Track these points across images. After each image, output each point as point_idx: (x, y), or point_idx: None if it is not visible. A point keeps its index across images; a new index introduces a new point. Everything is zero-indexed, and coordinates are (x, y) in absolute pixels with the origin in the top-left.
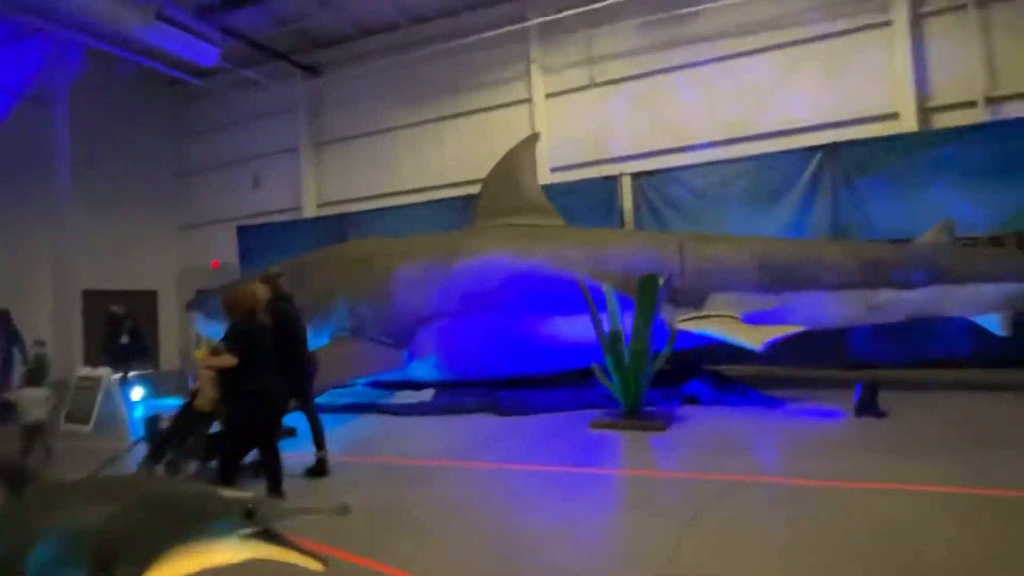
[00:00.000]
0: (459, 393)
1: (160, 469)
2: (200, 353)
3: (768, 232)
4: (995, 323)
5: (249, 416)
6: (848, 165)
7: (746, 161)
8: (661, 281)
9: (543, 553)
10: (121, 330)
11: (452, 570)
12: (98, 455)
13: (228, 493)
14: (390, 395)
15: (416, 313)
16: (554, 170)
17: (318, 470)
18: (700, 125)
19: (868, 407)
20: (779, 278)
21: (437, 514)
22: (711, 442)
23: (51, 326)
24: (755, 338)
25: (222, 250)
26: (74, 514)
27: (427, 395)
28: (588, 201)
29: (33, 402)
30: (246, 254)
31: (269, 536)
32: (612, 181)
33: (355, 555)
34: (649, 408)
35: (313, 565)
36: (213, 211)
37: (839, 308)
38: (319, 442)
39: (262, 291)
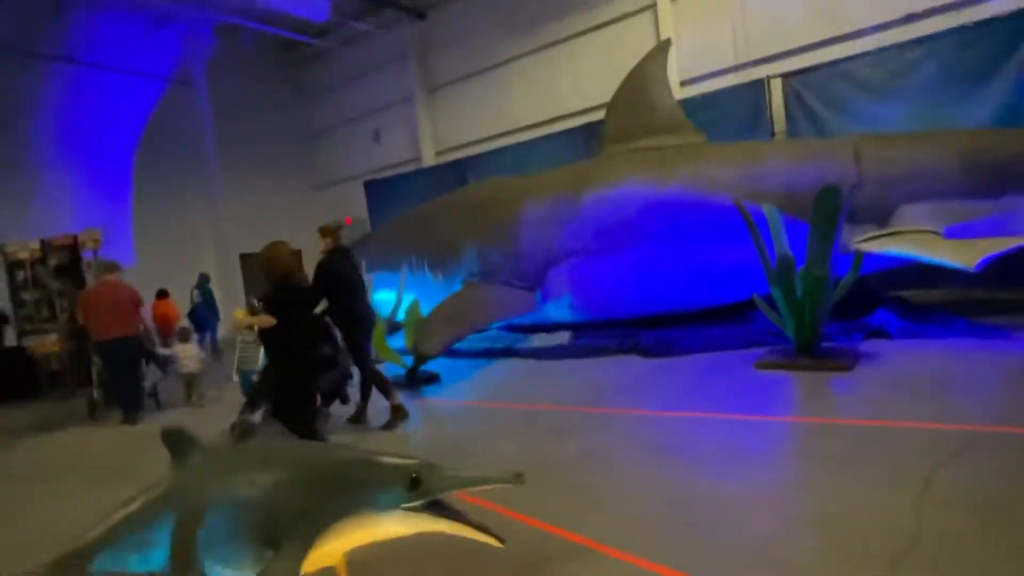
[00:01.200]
0: (598, 334)
1: (249, 422)
2: (239, 314)
3: (969, 127)
4: None
5: (289, 374)
6: None
7: (935, 39)
8: (843, 194)
9: (738, 525)
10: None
11: (633, 538)
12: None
13: (392, 460)
14: (526, 339)
15: (546, 253)
16: (685, 83)
17: (392, 421)
18: (866, 4)
19: None
20: (995, 178)
21: (597, 469)
22: (917, 384)
23: (218, 290)
24: (966, 256)
25: (354, 205)
26: (239, 486)
27: (564, 338)
28: (729, 113)
29: (188, 356)
30: (374, 207)
31: (438, 508)
32: (758, 86)
33: (513, 511)
34: (826, 344)
35: (490, 541)
36: (341, 169)
37: None
38: (385, 391)
39: (288, 256)
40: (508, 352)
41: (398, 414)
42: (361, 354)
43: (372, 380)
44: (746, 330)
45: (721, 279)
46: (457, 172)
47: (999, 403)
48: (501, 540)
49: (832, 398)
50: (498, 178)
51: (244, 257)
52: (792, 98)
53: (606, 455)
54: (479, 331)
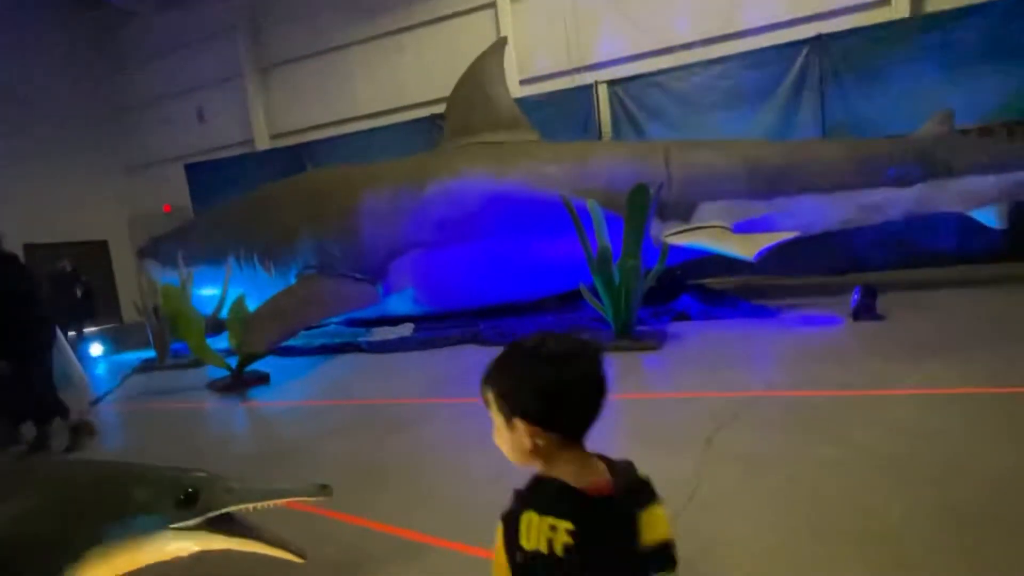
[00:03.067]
0: (440, 326)
1: None
2: None
3: (753, 137)
4: (991, 216)
5: None
6: (836, 59)
7: (729, 61)
8: (652, 191)
9: None
10: (73, 286)
11: (459, 527)
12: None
13: (163, 474)
14: (367, 332)
15: (388, 245)
16: (524, 82)
17: (72, 442)
18: (679, 24)
19: (866, 311)
20: (770, 182)
21: (428, 461)
22: (710, 358)
23: None
24: (748, 248)
25: (173, 192)
26: None
27: (406, 330)
28: (562, 114)
29: None
30: (198, 194)
31: (220, 524)
32: (587, 91)
33: (340, 512)
34: (640, 327)
35: (289, 557)
36: (158, 150)
37: (833, 211)
38: (53, 412)
39: None
40: (347, 348)
41: (78, 433)
42: (34, 364)
43: (43, 396)
44: (574, 317)
45: (554, 270)
46: (294, 158)
47: (769, 372)
48: (302, 556)
49: (641, 375)
50: (337, 166)
51: (32, 249)
52: (616, 104)
53: (438, 446)
54: (316, 327)
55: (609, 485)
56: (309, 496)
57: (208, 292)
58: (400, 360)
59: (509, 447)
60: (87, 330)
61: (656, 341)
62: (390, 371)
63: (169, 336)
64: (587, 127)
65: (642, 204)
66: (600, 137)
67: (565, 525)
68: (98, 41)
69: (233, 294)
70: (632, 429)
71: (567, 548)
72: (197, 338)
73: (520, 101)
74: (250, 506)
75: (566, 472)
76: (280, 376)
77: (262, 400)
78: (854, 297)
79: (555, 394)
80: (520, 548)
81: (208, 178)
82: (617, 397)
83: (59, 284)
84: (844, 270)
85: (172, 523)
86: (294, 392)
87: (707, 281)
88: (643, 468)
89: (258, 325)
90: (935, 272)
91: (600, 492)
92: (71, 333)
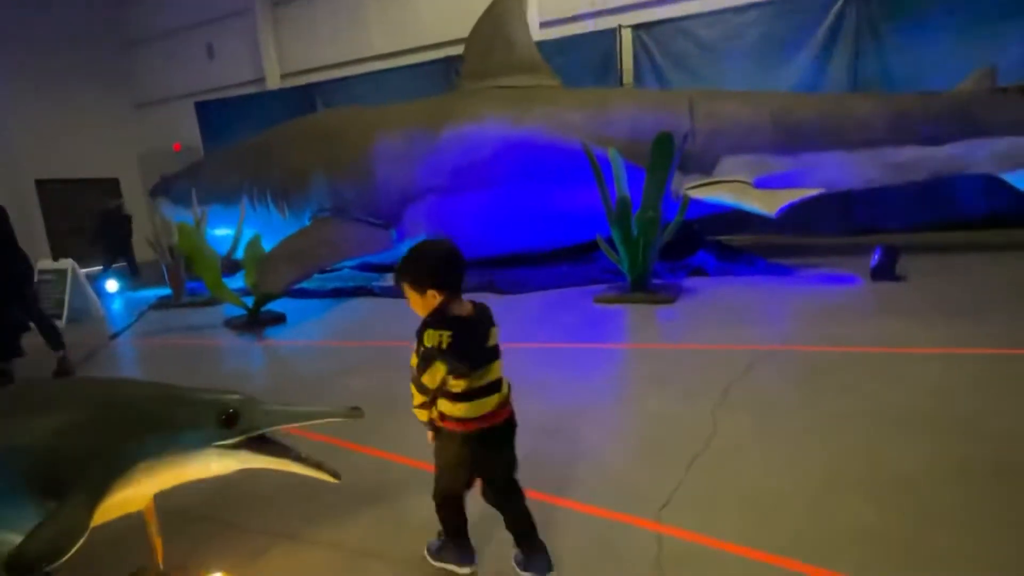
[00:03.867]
0: None
1: None
2: None
3: (781, 89)
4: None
5: None
6: (874, 9)
7: (759, 7)
8: (677, 141)
9: (570, 438)
10: (123, 224)
11: None
12: (71, 351)
13: (205, 395)
14: (380, 277)
15: (402, 189)
16: (544, 25)
17: (60, 370)
18: None
19: (885, 271)
20: (798, 137)
21: None
22: (725, 313)
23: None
24: (769, 203)
25: (183, 129)
26: (13, 430)
27: None
28: (583, 59)
29: None
30: (208, 132)
31: (260, 444)
32: (610, 35)
33: (360, 444)
34: (656, 281)
35: (323, 476)
36: (167, 87)
37: (859, 169)
38: (54, 343)
39: None
40: (360, 291)
41: (60, 367)
42: (26, 303)
43: (42, 326)
44: (589, 268)
45: (571, 220)
46: (306, 98)
47: (783, 327)
48: (336, 475)
49: (657, 327)
50: (352, 107)
51: (42, 184)
52: (640, 50)
53: None
54: (329, 270)
55: (471, 312)
56: (342, 417)
57: (221, 232)
58: None
59: (421, 308)
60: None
61: (671, 295)
62: (403, 315)
63: (184, 274)
64: (609, 74)
65: (666, 154)
66: (621, 85)
67: (447, 333)
68: None
69: (247, 234)
70: (649, 378)
71: (449, 344)
72: (213, 276)
73: (540, 45)
74: (287, 427)
75: (450, 309)
76: (295, 317)
77: (279, 339)
78: (874, 257)
79: (443, 268)
80: (423, 345)
81: (218, 117)
82: (632, 347)
83: (110, 221)
84: (866, 231)
85: (215, 441)
86: (310, 332)
87: (724, 238)
88: (660, 414)
89: (274, 266)
90: (958, 235)
91: (466, 315)
92: (117, 265)
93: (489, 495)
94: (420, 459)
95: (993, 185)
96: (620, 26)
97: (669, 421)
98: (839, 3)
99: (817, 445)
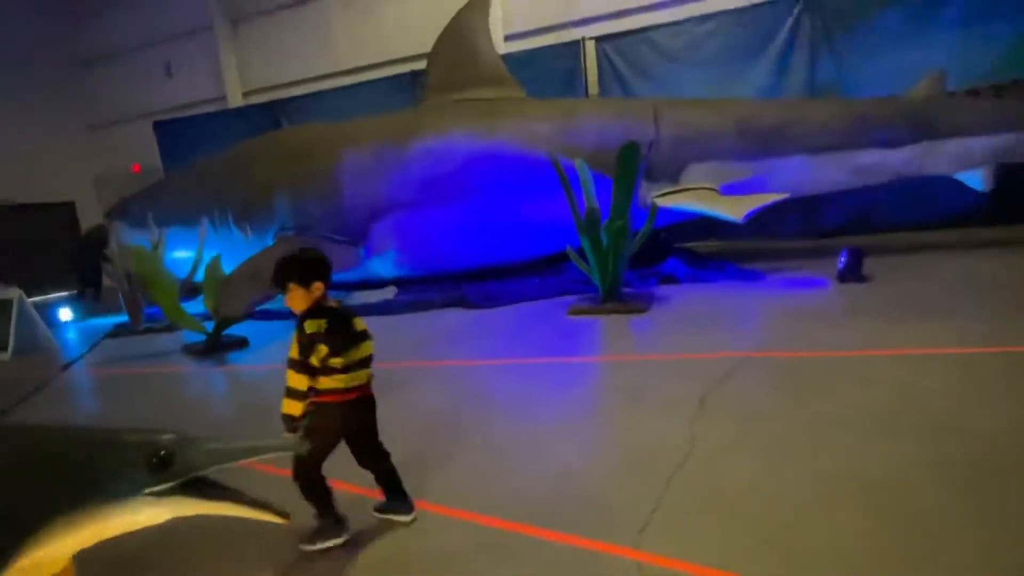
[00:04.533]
0: (423, 289)
1: None
2: None
3: (743, 96)
4: (977, 179)
5: None
6: (828, 17)
7: (719, 16)
8: (642, 150)
9: (543, 458)
10: (99, 254)
11: (442, 489)
12: (16, 386)
13: (134, 436)
14: (348, 296)
15: (369, 205)
16: (509, 38)
17: None
18: None
19: (852, 273)
20: (760, 143)
21: (415, 423)
22: (698, 320)
23: None
24: (736, 209)
25: (142, 150)
26: None
27: (389, 293)
28: (548, 72)
29: None
30: (168, 152)
31: (198, 488)
32: (574, 47)
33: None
34: (627, 290)
35: (272, 519)
36: (124, 106)
37: (823, 172)
38: None
39: None
40: None
41: None
42: None
43: None
44: (560, 280)
45: (540, 232)
46: (269, 116)
47: (756, 333)
48: (285, 515)
49: (630, 337)
50: (317, 123)
51: None
52: (604, 61)
53: (425, 408)
54: None
55: (338, 305)
56: (289, 451)
57: (181, 255)
58: (383, 323)
59: (303, 302)
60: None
61: (643, 304)
62: (374, 333)
63: (142, 300)
64: (573, 86)
65: (632, 163)
66: (587, 96)
67: (324, 320)
68: None
69: (208, 257)
70: (624, 391)
71: (326, 328)
72: (170, 301)
73: (505, 58)
74: (232, 464)
75: (324, 303)
76: (259, 340)
77: (240, 364)
78: (840, 259)
79: (323, 266)
80: (304, 332)
81: (178, 136)
82: (606, 359)
83: (87, 246)
84: (830, 233)
85: (145, 488)
86: (273, 355)
87: (692, 244)
88: (638, 428)
89: (234, 288)
90: (921, 236)
91: (336, 307)
92: (88, 291)
93: (364, 460)
94: None
95: (953, 185)
96: (584, 38)
97: (646, 435)
98: (795, 12)
99: (798, 454)
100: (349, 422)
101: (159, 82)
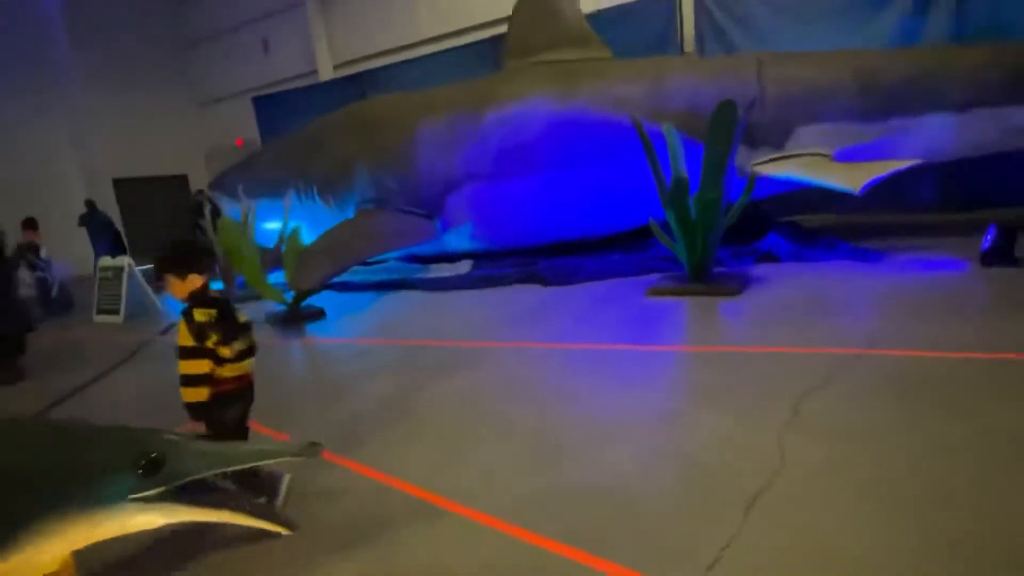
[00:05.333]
0: (499, 263)
1: None
2: None
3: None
4: None
5: None
6: None
7: None
8: (741, 110)
9: (600, 468)
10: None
11: (477, 490)
12: (124, 346)
13: (122, 436)
14: (425, 269)
15: (444, 177)
16: None
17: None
18: None
19: (1001, 254)
20: (889, 100)
21: (464, 411)
22: (800, 308)
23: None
24: (853, 179)
25: (244, 125)
26: None
27: (464, 267)
28: (640, 30)
29: None
30: (266, 127)
31: (191, 494)
32: (669, 1)
33: (362, 464)
34: (719, 269)
35: (274, 528)
36: (228, 84)
37: (968, 133)
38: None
39: None
40: (403, 284)
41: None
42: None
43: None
44: (643, 256)
45: (624, 203)
46: (357, 87)
47: (869, 326)
48: (291, 527)
49: (716, 325)
50: (392, 94)
51: (119, 183)
52: (703, 16)
53: (479, 395)
54: (374, 262)
55: (220, 295)
56: (294, 456)
57: (272, 226)
58: (455, 299)
59: (182, 292)
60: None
61: (736, 285)
62: (444, 311)
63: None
64: (668, 44)
65: (728, 125)
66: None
67: (213, 310)
68: None
69: (294, 228)
70: (704, 389)
71: (216, 318)
72: (253, 271)
73: (593, 17)
74: (226, 470)
75: (208, 293)
76: (336, 312)
77: (314, 336)
78: (986, 238)
79: (198, 257)
80: (194, 321)
81: (274, 111)
82: (684, 349)
83: (184, 217)
84: (971, 205)
85: (132, 493)
86: (348, 328)
87: (799, 218)
88: (714, 437)
89: (311, 261)
90: None
91: (219, 297)
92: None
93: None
94: (423, 487)
95: None
96: None
97: (723, 448)
98: None
99: (919, 494)
100: (243, 406)
101: (258, 59)
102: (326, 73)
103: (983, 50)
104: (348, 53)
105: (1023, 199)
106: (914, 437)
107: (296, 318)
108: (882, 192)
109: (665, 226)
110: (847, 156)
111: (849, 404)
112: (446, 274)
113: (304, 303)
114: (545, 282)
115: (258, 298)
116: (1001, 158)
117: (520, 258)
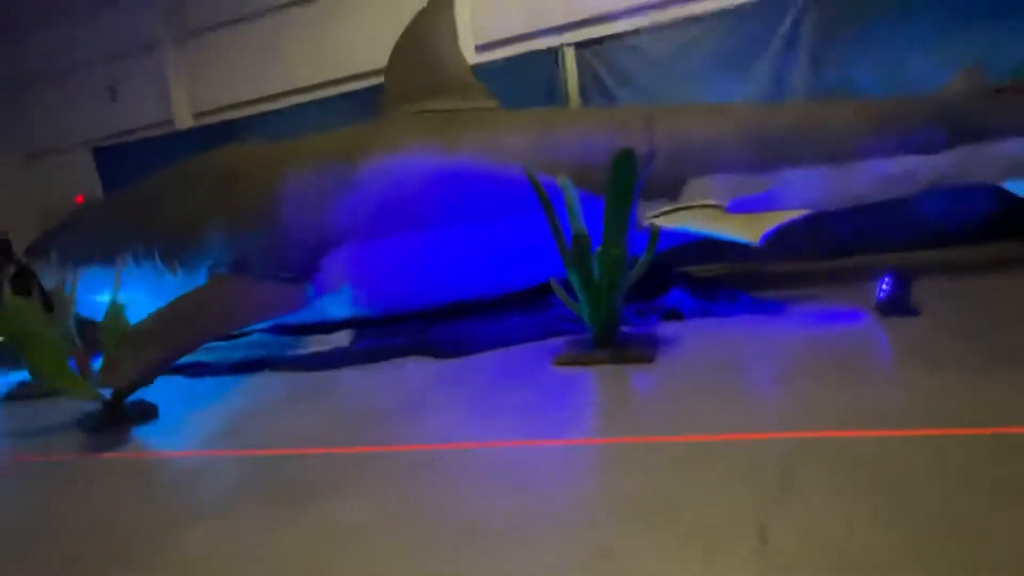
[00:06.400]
0: (384, 332)
1: None
2: None
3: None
4: None
5: None
6: (831, 15)
7: (709, 19)
8: (639, 161)
9: None
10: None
11: None
12: None
13: None
14: (297, 342)
15: (317, 235)
16: (480, 48)
17: None
18: None
19: (898, 303)
20: (774, 152)
21: (313, 558)
22: (718, 374)
23: None
24: (751, 230)
25: (84, 179)
26: None
27: (344, 339)
28: (524, 82)
29: None
30: (110, 181)
31: None
32: (552, 55)
33: None
34: (625, 329)
35: None
36: (65, 133)
37: (847, 184)
38: None
39: None
40: (269, 364)
41: None
42: None
43: None
44: (544, 317)
45: (517, 261)
46: (223, 138)
47: (802, 395)
48: None
49: (634, 403)
50: (255, 142)
51: None
52: (585, 70)
53: (339, 538)
54: (237, 335)
55: None
56: None
57: (104, 298)
58: (331, 381)
59: None
60: None
61: (647, 350)
62: (315, 398)
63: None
64: (553, 97)
65: (628, 176)
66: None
67: None
68: None
69: (130, 301)
70: (632, 502)
71: None
72: (53, 362)
73: (476, 70)
74: None
75: None
76: (175, 406)
77: (136, 447)
78: (881, 287)
79: None
80: None
81: (122, 163)
82: (601, 442)
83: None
84: (849, 252)
85: None
86: (184, 433)
87: (692, 269)
88: None
89: (131, 347)
90: (960, 253)
91: None
92: None
93: None
94: None
95: (992, 194)
96: (562, 45)
97: None
98: (793, 10)
99: None
100: None
101: (103, 105)
102: (185, 122)
103: (852, 105)
104: (211, 102)
105: (891, 244)
106: (926, 569)
107: (117, 419)
108: (770, 241)
109: (564, 283)
110: (740, 207)
111: (827, 520)
112: (323, 348)
113: (131, 398)
114: (438, 353)
115: (53, 394)
116: (872, 206)
117: (408, 324)
